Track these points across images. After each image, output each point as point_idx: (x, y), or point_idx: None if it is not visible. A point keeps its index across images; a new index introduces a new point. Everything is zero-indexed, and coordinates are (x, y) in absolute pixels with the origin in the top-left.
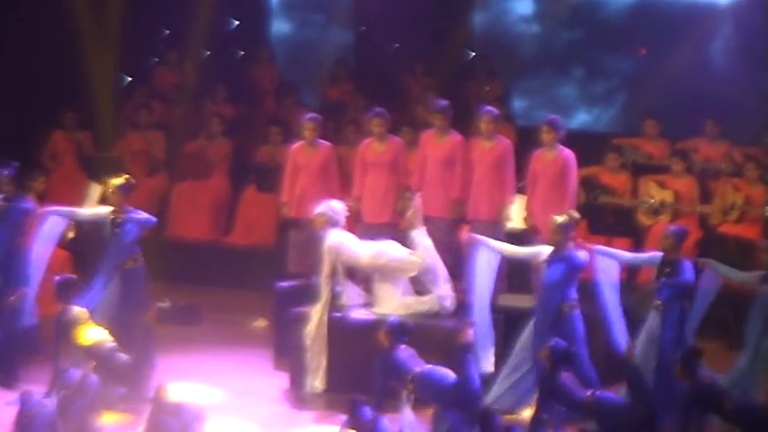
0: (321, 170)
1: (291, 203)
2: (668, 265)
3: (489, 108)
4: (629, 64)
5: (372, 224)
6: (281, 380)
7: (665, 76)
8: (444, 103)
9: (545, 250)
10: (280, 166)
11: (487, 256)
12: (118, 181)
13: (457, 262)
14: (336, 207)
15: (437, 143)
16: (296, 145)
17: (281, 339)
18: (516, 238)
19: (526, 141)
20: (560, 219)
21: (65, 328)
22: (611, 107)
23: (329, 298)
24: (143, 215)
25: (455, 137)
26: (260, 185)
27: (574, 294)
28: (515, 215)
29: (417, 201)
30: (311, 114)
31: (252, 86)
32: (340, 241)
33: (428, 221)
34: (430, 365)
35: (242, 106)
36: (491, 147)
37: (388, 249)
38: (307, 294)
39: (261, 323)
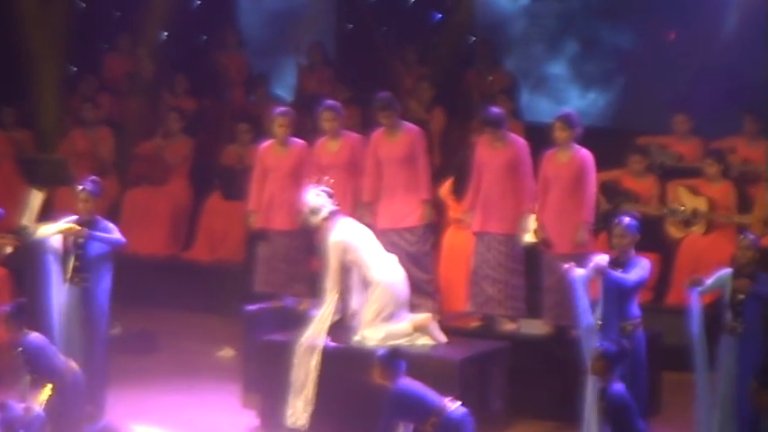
0: (293, 173)
1: (259, 212)
2: (747, 279)
3: (495, 112)
4: (631, 39)
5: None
6: (250, 419)
7: (687, 59)
8: (384, 96)
9: (600, 259)
10: (249, 170)
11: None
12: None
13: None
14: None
15: (390, 142)
16: (265, 144)
17: (250, 372)
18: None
19: (532, 141)
20: (626, 220)
21: (29, 358)
22: (607, 91)
23: (331, 309)
24: (114, 234)
25: (410, 130)
26: (226, 192)
27: (636, 311)
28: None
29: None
30: (282, 108)
31: (217, 76)
32: (349, 235)
33: (388, 234)
34: (454, 403)
35: (205, 99)
36: (503, 148)
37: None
38: (280, 319)
39: (227, 353)
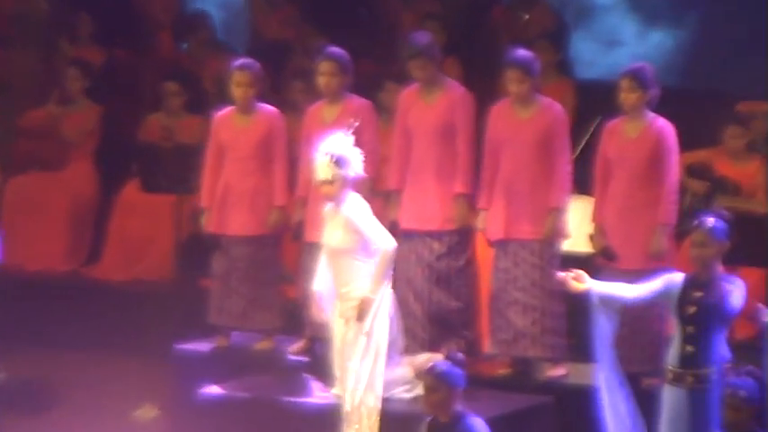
0: (259, 154)
1: (212, 210)
2: None
3: (521, 54)
4: None
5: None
6: None
7: None
8: (418, 37)
9: (676, 277)
10: (182, 149)
11: (604, 308)
12: None
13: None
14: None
15: (424, 105)
16: (221, 113)
17: None
18: (576, 266)
19: (582, 106)
20: (710, 221)
21: None
22: (678, 28)
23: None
24: None
25: (453, 90)
26: (147, 181)
27: (725, 350)
28: (574, 229)
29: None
30: (243, 60)
31: (135, 17)
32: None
33: (411, 239)
34: None
35: (118, 49)
36: (530, 118)
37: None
38: (225, 365)
39: (148, 412)
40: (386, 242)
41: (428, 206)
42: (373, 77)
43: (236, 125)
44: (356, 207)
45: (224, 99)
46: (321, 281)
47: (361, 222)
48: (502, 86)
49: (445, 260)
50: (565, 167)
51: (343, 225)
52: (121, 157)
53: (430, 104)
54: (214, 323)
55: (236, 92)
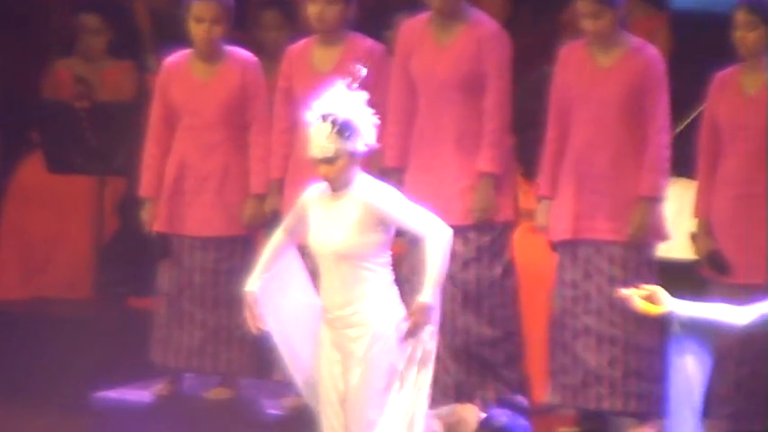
0: (231, 119)
1: (161, 201)
2: None
3: None
4: None
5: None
6: None
7: None
8: None
9: None
10: (104, 110)
11: (692, 340)
12: None
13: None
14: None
15: (437, 46)
16: (172, 60)
17: None
18: (677, 276)
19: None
20: None
21: None
22: None
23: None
24: None
25: (479, 24)
26: (54, 157)
27: None
28: (673, 226)
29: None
30: None
31: None
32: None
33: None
34: None
35: None
36: (613, 66)
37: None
38: (173, 418)
39: None
40: (440, 225)
41: (444, 191)
42: (377, 8)
43: (196, 78)
44: (379, 190)
45: (162, 38)
46: (257, 279)
47: (396, 209)
48: (569, 23)
49: (474, 268)
50: (661, 138)
51: (351, 220)
52: (16, 123)
53: (445, 44)
54: (157, 362)
55: (196, 30)
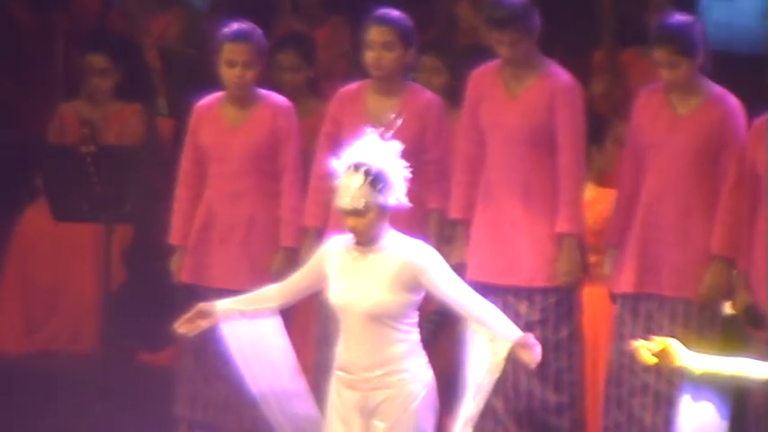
0: (262, 166)
1: (188, 250)
2: None
3: (676, 23)
4: None
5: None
6: None
7: None
8: None
9: None
10: (112, 154)
11: (714, 398)
12: None
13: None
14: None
15: (508, 96)
16: (204, 103)
17: None
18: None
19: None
20: None
21: None
22: None
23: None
24: None
25: (555, 75)
26: (59, 204)
27: None
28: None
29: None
30: (239, 27)
31: None
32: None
33: (496, 295)
34: None
35: (16, 6)
36: (689, 114)
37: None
38: None
39: None
40: (485, 303)
41: (510, 250)
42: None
43: (226, 123)
44: (419, 249)
45: (174, 80)
46: (230, 305)
47: (441, 277)
48: (601, 66)
49: (539, 331)
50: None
51: (386, 278)
52: (21, 168)
53: (516, 95)
54: (182, 416)
55: (228, 74)
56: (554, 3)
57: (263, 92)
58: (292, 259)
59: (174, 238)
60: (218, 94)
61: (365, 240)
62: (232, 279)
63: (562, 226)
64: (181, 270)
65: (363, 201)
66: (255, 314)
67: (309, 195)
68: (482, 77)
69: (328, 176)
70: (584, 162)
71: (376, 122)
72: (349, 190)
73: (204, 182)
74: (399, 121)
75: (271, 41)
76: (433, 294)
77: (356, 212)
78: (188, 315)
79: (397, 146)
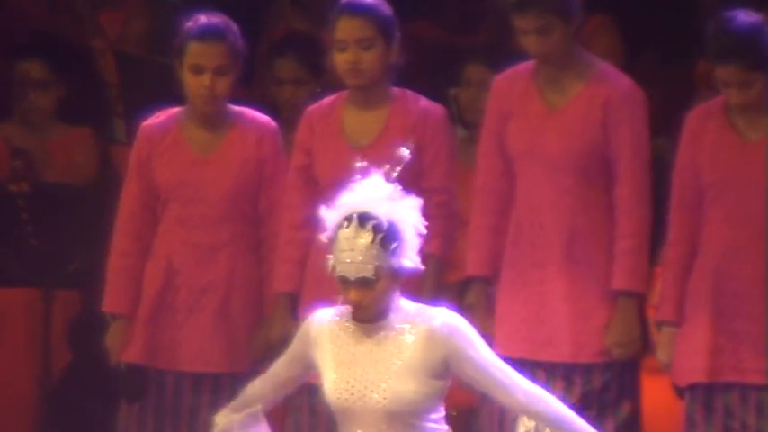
0: (242, 208)
1: (133, 320)
2: None
3: (744, 25)
4: None
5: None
6: None
7: None
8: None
9: None
10: (53, 194)
11: None
12: None
13: None
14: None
15: (551, 108)
16: (155, 122)
17: None
18: None
19: None
20: None
21: None
22: None
23: None
24: None
25: (609, 79)
26: None
27: None
28: None
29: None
30: (207, 20)
31: None
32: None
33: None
34: None
35: None
36: (763, 140)
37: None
38: None
39: None
40: (536, 389)
41: (546, 316)
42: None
43: (191, 152)
44: (449, 322)
45: (136, 96)
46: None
47: (484, 361)
48: (708, 77)
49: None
50: None
51: (405, 363)
52: None
53: (558, 108)
54: None
55: (193, 83)
56: None
57: (240, 109)
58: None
59: (111, 305)
60: (176, 111)
61: (371, 317)
62: (204, 359)
63: (619, 282)
64: (125, 348)
65: (372, 267)
66: (245, 427)
67: (280, 252)
68: (510, 85)
69: (303, 225)
70: (650, 197)
71: (356, 147)
72: (352, 253)
73: (154, 231)
74: (408, 153)
75: (263, 44)
76: (466, 379)
77: (363, 282)
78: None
79: (398, 191)
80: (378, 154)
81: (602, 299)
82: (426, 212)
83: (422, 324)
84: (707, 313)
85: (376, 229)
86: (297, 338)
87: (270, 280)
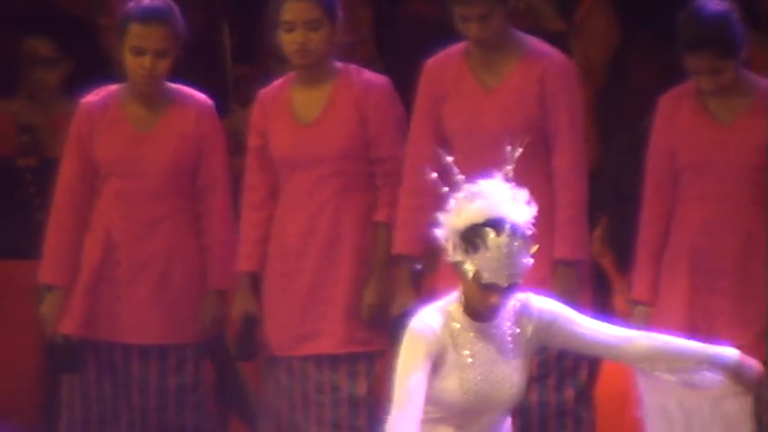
0: (181, 184)
1: (75, 292)
2: None
3: (713, 12)
4: None
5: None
6: None
7: None
8: None
9: None
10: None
11: None
12: None
13: None
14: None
15: (486, 87)
16: (92, 100)
17: None
18: None
19: None
20: None
21: None
22: None
23: None
24: None
25: (542, 57)
26: None
27: None
28: None
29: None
30: (146, 5)
31: None
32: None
33: None
34: None
35: None
36: (736, 122)
37: None
38: None
39: None
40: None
41: None
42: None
43: (131, 128)
44: (540, 303)
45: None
46: None
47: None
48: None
49: (536, 391)
50: None
51: (519, 353)
52: None
53: (493, 87)
54: None
55: (134, 63)
56: None
57: (178, 87)
58: (223, 305)
59: (48, 275)
60: (116, 88)
61: (497, 315)
62: (146, 331)
63: (558, 251)
64: (60, 319)
65: (522, 272)
66: None
67: (243, 231)
68: (442, 69)
69: (263, 204)
70: (587, 166)
71: (305, 123)
72: (507, 261)
73: (92, 204)
74: (518, 152)
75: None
76: (581, 352)
77: (513, 287)
78: None
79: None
80: (324, 128)
81: (548, 267)
82: (375, 182)
83: (525, 317)
84: (682, 291)
85: (523, 236)
86: (425, 343)
87: (213, 256)
